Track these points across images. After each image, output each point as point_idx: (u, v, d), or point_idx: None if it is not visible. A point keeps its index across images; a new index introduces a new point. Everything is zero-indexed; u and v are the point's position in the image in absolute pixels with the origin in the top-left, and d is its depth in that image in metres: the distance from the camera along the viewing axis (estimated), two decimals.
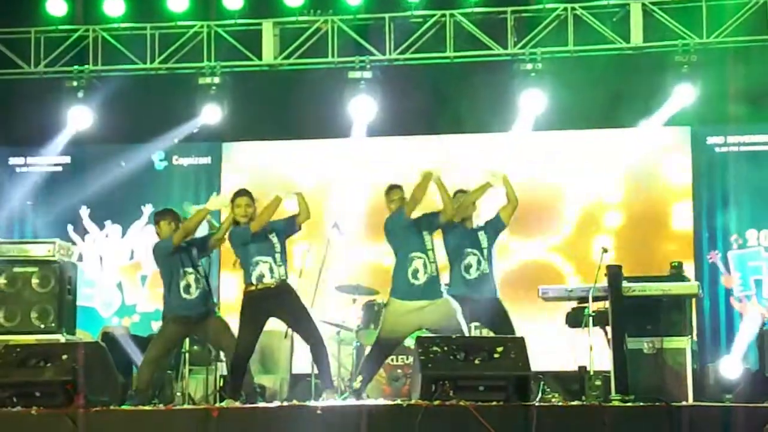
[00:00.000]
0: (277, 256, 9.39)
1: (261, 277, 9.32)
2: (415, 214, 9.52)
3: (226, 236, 9.67)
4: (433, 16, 13.61)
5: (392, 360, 10.93)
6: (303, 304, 9.55)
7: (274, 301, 9.35)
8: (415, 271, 9.35)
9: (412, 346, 9.60)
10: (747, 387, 11.38)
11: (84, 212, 14.53)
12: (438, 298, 9.40)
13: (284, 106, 14.01)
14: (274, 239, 9.44)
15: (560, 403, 8.96)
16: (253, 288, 9.36)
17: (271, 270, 9.34)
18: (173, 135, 14.19)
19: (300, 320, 9.47)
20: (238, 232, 9.48)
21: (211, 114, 13.83)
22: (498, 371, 8.38)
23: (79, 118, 13.91)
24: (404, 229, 9.50)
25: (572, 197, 13.92)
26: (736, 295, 13.48)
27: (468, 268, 9.69)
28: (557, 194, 13.92)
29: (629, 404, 8.63)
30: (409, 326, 9.50)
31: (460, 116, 13.52)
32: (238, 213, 9.47)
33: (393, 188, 9.76)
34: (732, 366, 11.84)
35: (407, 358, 10.72)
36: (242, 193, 9.57)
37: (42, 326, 11.48)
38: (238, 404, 9.04)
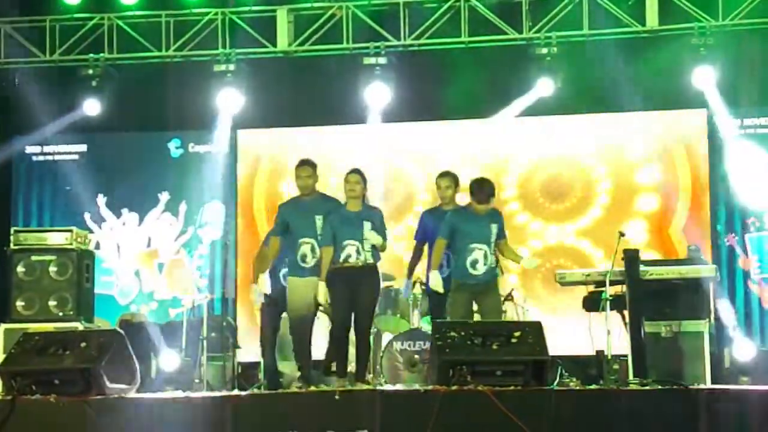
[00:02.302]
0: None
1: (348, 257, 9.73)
2: None
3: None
4: (448, 1, 13.57)
5: (410, 345, 10.94)
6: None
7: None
8: None
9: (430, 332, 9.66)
10: (764, 369, 11.37)
11: (101, 200, 14.57)
12: None
13: (299, 93, 14.02)
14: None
15: (578, 388, 8.95)
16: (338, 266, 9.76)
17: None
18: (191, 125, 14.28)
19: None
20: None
21: (227, 101, 13.82)
22: (515, 356, 8.38)
23: (96, 106, 13.95)
24: None
25: (587, 181, 13.94)
26: (753, 278, 13.46)
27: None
28: (572, 178, 13.95)
29: (647, 388, 8.61)
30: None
31: (475, 101, 13.52)
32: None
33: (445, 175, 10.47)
34: (745, 348, 11.83)
35: (424, 344, 10.71)
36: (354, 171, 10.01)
37: (60, 314, 11.52)
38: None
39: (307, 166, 10.05)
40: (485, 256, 9.79)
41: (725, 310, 12.29)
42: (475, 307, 9.93)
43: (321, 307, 10.01)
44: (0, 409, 8.37)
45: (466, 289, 9.80)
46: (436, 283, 9.86)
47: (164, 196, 14.51)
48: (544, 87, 13.37)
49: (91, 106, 13.95)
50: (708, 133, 13.69)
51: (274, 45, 13.95)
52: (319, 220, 9.83)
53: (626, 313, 9.98)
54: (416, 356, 10.87)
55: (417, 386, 8.93)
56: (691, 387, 8.37)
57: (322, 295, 9.74)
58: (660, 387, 8.54)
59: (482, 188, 9.85)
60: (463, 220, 9.89)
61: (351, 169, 10.01)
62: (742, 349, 11.82)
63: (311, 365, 10.02)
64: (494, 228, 9.86)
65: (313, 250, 9.82)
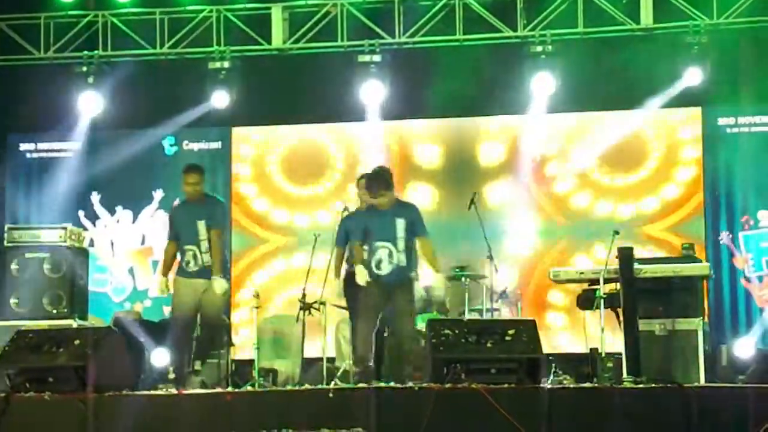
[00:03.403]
0: None
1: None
2: None
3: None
4: None
5: None
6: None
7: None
8: None
9: (424, 330, 9.64)
10: (759, 368, 11.37)
11: (95, 198, 14.55)
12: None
13: (294, 91, 13.99)
14: None
15: (572, 386, 8.95)
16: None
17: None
18: (182, 119, 14.20)
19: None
20: None
21: (220, 98, 13.82)
22: (509, 354, 8.38)
23: (90, 104, 13.93)
24: None
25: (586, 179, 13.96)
26: (747, 275, 13.45)
27: None
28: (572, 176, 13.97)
29: (641, 386, 8.62)
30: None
31: (470, 99, 13.50)
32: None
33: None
34: (745, 347, 11.83)
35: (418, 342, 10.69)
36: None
37: (54, 312, 11.52)
38: None
39: (194, 172, 9.94)
40: (389, 255, 9.49)
41: None
42: None
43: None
44: None
45: (378, 285, 9.58)
46: (361, 276, 9.54)
47: (158, 194, 14.49)
48: (545, 85, 13.32)
49: (89, 104, 13.92)
50: (702, 131, 13.69)
51: (269, 42, 13.94)
52: (200, 225, 9.76)
53: (620, 311, 9.97)
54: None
55: (411, 384, 8.93)
56: (684, 385, 8.36)
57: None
58: (654, 385, 8.54)
59: (372, 180, 9.57)
60: (368, 218, 9.63)
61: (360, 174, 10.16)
62: (743, 347, 11.83)
63: (187, 367, 10.13)
64: (400, 223, 9.50)
65: (195, 257, 9.95)
